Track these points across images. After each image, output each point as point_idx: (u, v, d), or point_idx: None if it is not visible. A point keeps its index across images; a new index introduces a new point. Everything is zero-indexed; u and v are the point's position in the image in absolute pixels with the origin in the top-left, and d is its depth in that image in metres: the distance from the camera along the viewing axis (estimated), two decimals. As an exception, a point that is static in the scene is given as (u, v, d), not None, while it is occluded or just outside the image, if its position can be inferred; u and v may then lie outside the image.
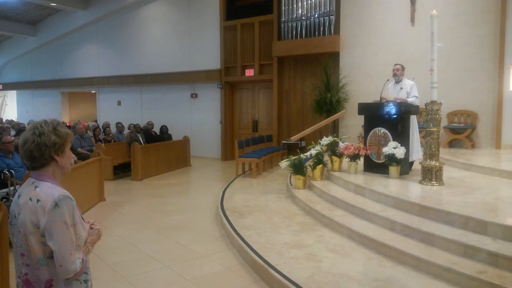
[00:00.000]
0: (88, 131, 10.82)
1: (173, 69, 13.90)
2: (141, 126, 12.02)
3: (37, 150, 1.77)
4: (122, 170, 10.27)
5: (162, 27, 14.43)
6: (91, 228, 1.92)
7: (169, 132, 12.25)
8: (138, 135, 10.97)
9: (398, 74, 6.44)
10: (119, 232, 5.68)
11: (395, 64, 6.57)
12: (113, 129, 12.07)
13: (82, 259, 1.77)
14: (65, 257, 1.69)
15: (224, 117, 13.00)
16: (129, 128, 12.18)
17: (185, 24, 13.73)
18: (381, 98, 6.46)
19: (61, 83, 17.85)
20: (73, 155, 1.95)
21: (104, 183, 7.80)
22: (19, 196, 1.80)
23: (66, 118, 18.12)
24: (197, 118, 13.82)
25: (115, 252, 4.93)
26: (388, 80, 7.66)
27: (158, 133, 12.04)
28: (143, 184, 9.34)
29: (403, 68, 6.53)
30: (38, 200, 1.71)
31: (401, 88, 6.39)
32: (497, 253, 3.46)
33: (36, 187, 1.76)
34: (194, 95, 13.88)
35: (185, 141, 11.86)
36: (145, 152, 9.95)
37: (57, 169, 1.84)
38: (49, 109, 18.64)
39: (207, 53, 13.16)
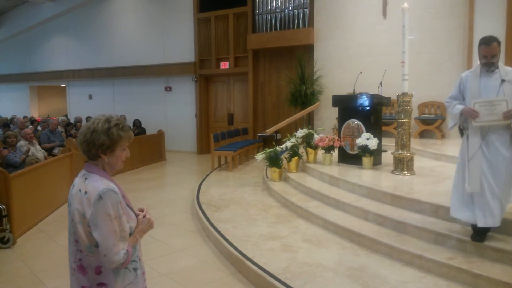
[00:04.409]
0: (58, 126, 10.51)
1: (146, 62, 13.66)
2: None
3: (85, 145, 1.86)
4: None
5: (134, 18, 14.12)
6: (143, 217, 1.99)
7: (142, 126, 12.06)
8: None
9: (494, 62, 3.46)
10: (93, 229, 5.56)
11: (485, 45, 3.43)
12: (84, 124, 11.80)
13: (127, 250, 1.83)
14: (109, 248, 1.75)
15: (199, 111, 12.88)
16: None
17: (158, 16, 13.49)
18: (474, 104, 3.46)
19: (29, 76, 17.24)
20: (128, 153, 1.99)
21: (76, 179, 7.61)
22: (73, 186, 1.89)
23: (35, 113, 17.56)
24: (172, 111, 13.65)
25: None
26: (361, 72, 7.77)
27: (131, 127, 11.84)
28: (116, 179, 9.06)
29: (499, 46, 3.47)
30: (85, 192, 1.80)
31: (503, 80, 3.43)
32: (465, 240, 3.57)
33: (86, 179, 1.85)
34: (168, 88, 13.69)
35: (160, 135, 11.71)
36: (119, 147, 9.74)
37: (106, 165, 1.90)
38: (17, 104, 18.03)
39: (181, 45, 12.99)
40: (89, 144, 1.84)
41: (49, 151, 8.77)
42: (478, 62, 3.57)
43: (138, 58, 13.85)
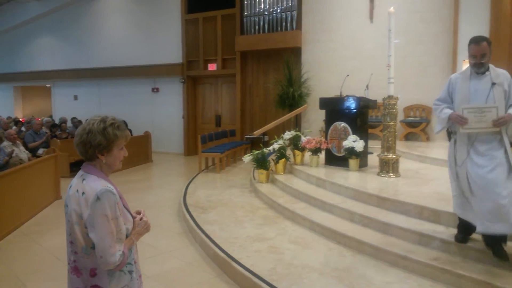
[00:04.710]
0: (42, 127, 10.36)
1: (133, 63, 13.54)
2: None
3: (82, 146, 1.86)
4: (79, 167, 9.85)
5: (121, 19, 14.00)
6: (140, 220, 2.00)
7: (129, 127, 11.94)
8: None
9: (483, 63, 3.28)
10: (77, 231, 5.48)
11: (475, 44, 3.27)
12: (69, 124, 11.65)
13: (123, 252, 1.82)
14: (105, 249, 1.75)
15: (186, 112, 12.83)
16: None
17: (145, 16, 13.40)
18: (462, 109, 3.28)
19: (14, 77, 16.96)
20: (126, 152, 2.02)
21: (60, 181, 7.51)
22: (70, 187, 1.89)
23: (19, 114, 17.26)
24: (159, 113, 13.56)
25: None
26: (348, 75, 7.83)
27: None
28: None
29: (489, 46, 3.27)
30: (83, 193, 1.80)
31: (494, 83, 3.25)
32: (449, 241, 3.63)
33: (83, 179, 1.85)
34: (155, 90, 13.60)
35: (146, 137, 11.62)
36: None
37: (103, 165, 1.91)
38: (1, 104, 17.72)
39: (168, 46, 12.92)
40: (86, 145, 1.84)
41: (33, 152, 8.65)
42: (467, 64, 3.42)
43: (125, 58, 13.72)
